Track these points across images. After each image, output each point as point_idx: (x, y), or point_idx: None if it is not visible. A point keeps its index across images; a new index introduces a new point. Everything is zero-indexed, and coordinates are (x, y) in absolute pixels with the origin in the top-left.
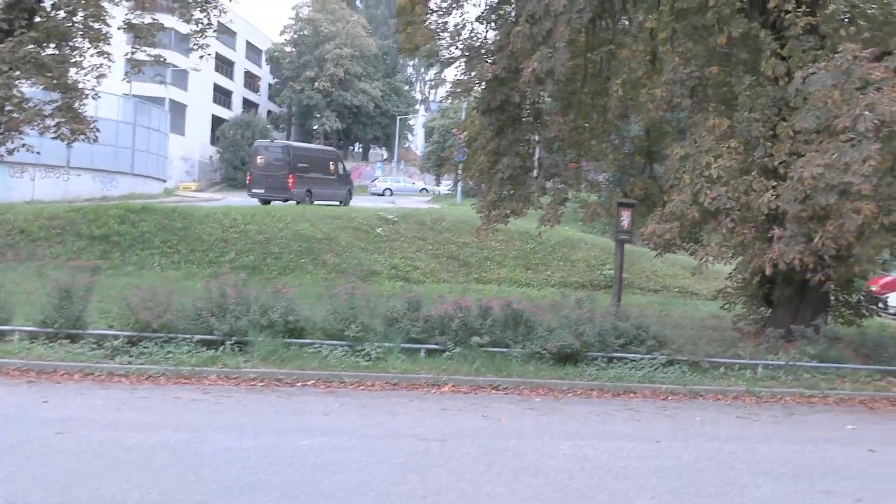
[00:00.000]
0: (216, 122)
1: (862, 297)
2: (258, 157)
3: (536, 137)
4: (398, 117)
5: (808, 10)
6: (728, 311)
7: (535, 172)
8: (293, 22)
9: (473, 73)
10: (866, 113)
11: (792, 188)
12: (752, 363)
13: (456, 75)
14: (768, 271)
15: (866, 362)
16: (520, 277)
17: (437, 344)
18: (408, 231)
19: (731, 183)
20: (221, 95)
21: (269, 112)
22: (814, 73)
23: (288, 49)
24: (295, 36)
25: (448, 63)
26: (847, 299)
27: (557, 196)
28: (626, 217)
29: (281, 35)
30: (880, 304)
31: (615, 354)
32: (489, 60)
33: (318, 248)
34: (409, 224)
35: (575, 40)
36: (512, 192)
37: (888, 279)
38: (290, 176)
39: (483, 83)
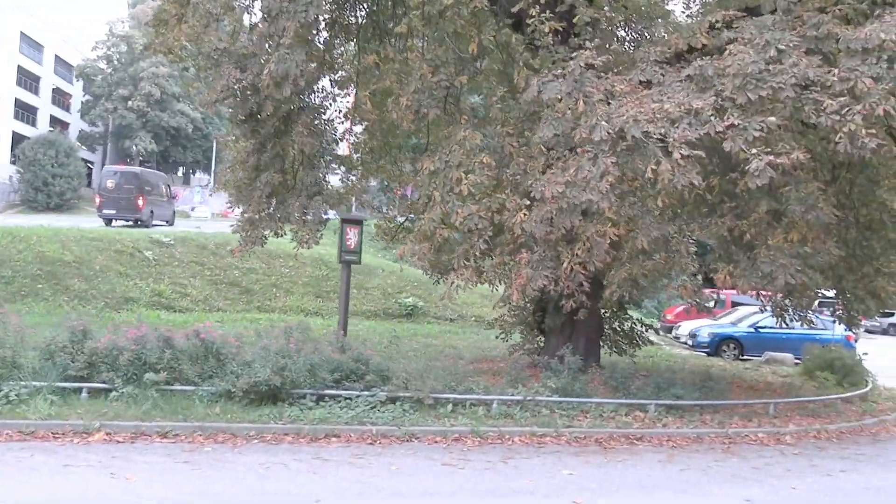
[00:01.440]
0: (18, 139)
1: (636, 325)
2: (108, 181)
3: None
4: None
5: (551, 14)
6: (505, 340)
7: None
8: (107, 37)
9: (223, 81)
10: (603, 123)
11: (540, 208)
12: (488, 399)
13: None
14: (515, 298)
15: (614, 395)
16: (308, 306)
17: (103, 382)
18: (184, 255)
19: (484, 201)
20: (24, 112)
21: (81, 131)
22: (551, 80)
23: (101, 65)
24: (108, 52)
25: (204, 68)
26: (620, 328)
27: (315, 216)
28: (352, 236)
29: (93, 50)
30: (672, 333)
31: (328, 392)
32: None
33: (63, 272)
34: (188, 248)
35: (311, 41)
36: (271, 210)
37: (682, 308)
38: (141, 198)
39: (231, 90)
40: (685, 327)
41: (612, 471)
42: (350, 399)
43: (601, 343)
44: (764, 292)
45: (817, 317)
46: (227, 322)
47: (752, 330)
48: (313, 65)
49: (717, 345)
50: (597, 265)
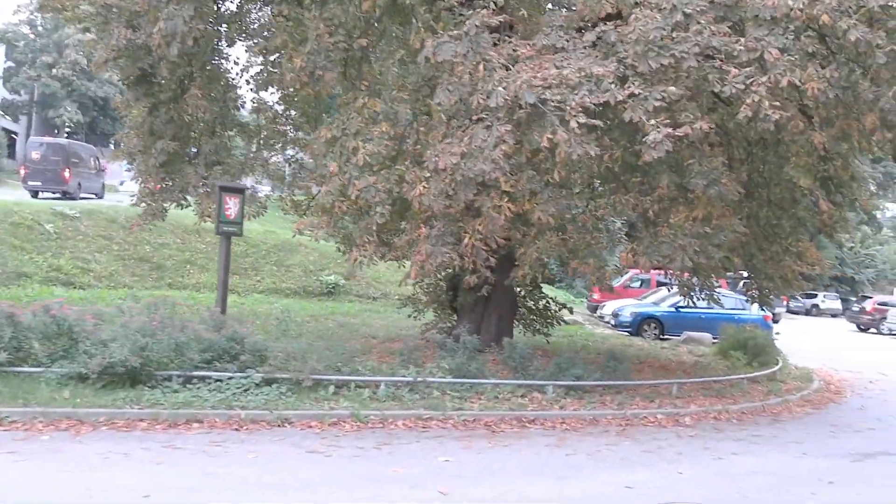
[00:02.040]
0: None
1: (550, 304)
2: (34, 153)
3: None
4: None
5: None
6: (417, 319)
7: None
8: (29, 1)
9: (112, 40)
10: (500, 89)
11: (437, 180)
12: (375, 380)
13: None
14: (413, 276)
15: (514, 376)
16: None
17: None
18: (90, 229)
19: (382, 173)
20: None
21: (3, 99)
22: (446, 41)
23: (24, 30)
24: (31, 16)
25: (101, 29)
26: (535, 306)
27: (214, 186)
28: (232, 205)
29: (15, 14)
30: (597, 312)
31: (197, 374)
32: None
33: None
34: (95, 221)
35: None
36: (170, 180)
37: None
38: (68, 170)
39: (123, 51)
40: (609, 307)
41: (495, 456)
42: (221, 381)
43: (516, 322)
44: (670, 271)
45: (725, 296)
46: (131, 299)
47: (673, 310)
48: (222, 27)
49: (639, 324)
50: (498, 241)
